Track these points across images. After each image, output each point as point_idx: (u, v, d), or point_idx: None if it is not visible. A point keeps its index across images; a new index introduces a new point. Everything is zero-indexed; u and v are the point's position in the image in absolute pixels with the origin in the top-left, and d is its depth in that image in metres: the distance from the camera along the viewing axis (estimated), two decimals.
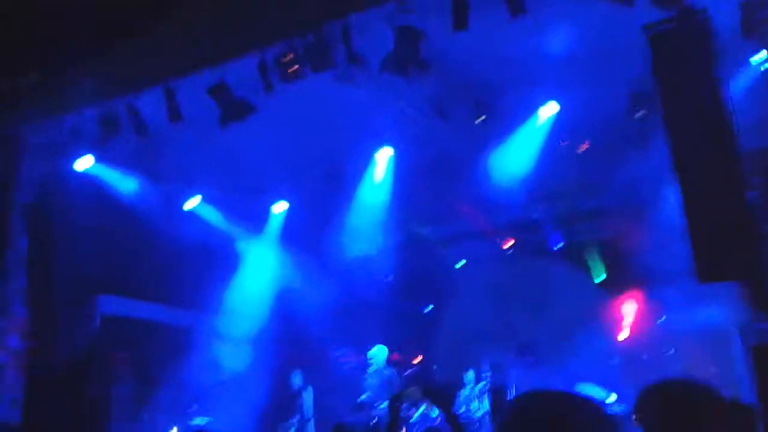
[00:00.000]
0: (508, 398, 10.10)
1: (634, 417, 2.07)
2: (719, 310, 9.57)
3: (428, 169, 12.81)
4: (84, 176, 11.16)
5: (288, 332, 13.54)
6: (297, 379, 11.62)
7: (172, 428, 12.18)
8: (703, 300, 9.48)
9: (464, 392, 11.18)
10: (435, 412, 11.05)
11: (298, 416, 11.40)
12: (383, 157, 12.61)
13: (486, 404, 10.53)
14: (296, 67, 8.52)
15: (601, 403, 1.58)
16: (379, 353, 11.05)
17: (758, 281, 8.16)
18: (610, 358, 11.78)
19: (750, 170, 7.02)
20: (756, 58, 8.03)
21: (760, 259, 6.89)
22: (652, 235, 11.60)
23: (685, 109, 6.60)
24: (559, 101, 10.82)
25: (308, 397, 11.49)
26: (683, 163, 6.92)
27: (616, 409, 9.65)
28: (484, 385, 10.50)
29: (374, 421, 10.36)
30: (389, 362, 11.12)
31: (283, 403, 11.56)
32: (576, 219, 12.82)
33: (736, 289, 9.14)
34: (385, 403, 10.08)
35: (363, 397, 10.76)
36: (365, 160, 12.72)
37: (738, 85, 7.90)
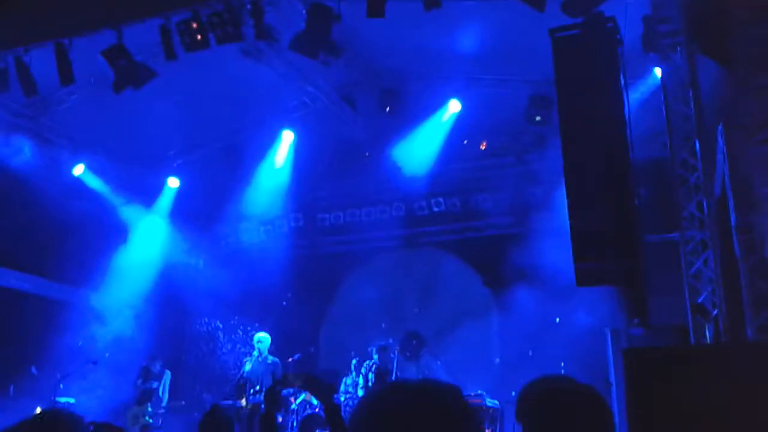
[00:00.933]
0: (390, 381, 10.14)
1: (515, 414, 2.10)
2: (594, 312, 10.03)
3: (330, 156, 12.75)
4: None
5: (170, 312, 13.10)
6: (155, 365, 11.29)
7: (36, 407, 11.54)
8: (581, 302, 9.87)
9: (347, 380, 11.19)
10: (314, 401, 11.04)
11: (154, 401, 11.04)
12: (285, 141, 12.41)
13: (369, 384, 10.52)
14: (201, 36, 8.18)
15: (458, 391, 1.57)
16: (263, 340, 10.87)
17: (635, 288, 8.56)
18: (492, 354, 12.09)
19: (637, 180, 7.30)
20: (655, 72, 8.37)
21: (638, 267, 7.04)
22: (540, 235, 12.03)
23: (582, 114, 6.76)
24: (462, 99, 10.99)
25: (166, 382, 11.18)
26: (573, 167, 7.04)
27: (489, 403, 9.90)
28: (371, 364, 10.48)
29: (248, 407, 10.20)
30: (272, 350, 10.96)
31: (141, 388, 11.15)
32: (470, 215, 13.07)
33: (612, 293, 9.62)
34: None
35: (242, 383, 10.55)
36: (266, 142, 12.48)
37: (635, 96, 8.25)
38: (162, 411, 11.06)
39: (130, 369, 11.46)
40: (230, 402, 10.42)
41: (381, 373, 10.22)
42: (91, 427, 2.81)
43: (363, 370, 10.41)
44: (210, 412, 5.24)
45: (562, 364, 10.03)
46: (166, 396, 11.26)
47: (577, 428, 1.97)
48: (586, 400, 2.03)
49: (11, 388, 11.23)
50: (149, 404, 11.00)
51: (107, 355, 11.74)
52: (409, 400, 1.50)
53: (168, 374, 11.36)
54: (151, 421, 10.71)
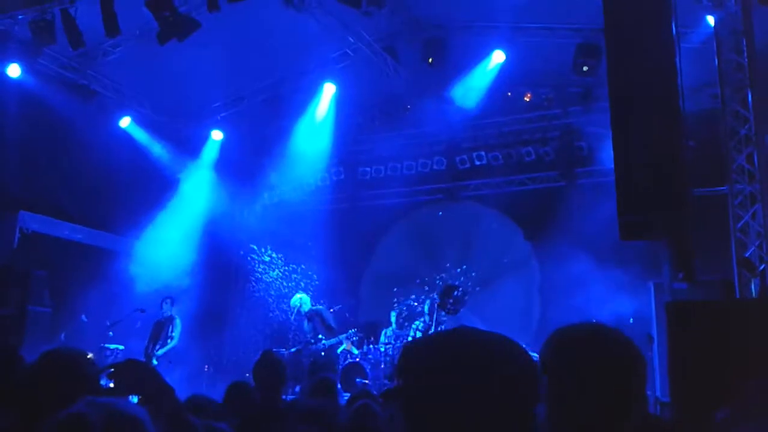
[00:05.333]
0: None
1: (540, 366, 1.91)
2: (638, 266, 9.92)
3: (371, 109, 12.70)
4: (11, 85, 10.56)
5: (216, 263, 13.36)
6: (167, 307, 11.45)
7: (86, 353, 11.90)
8: (624, 255, 9.76)
9: (387, 331, 11.36)
10: (355, 351, 11.27)
11: (167, 343, 11.25)
12: (327, 93, 12.38)
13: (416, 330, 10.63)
14: None
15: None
16: (302, 301, 11.11)
17: (681, 242, 8.42)
18: (533, 308, 12.09)
19: (687, 132, 7.13)
20: (707, 20, 8.09)
21: (684, 220, 6.92)
22: (584, 189, 11.89)
23: (632, 63, 6.58)
24: (507, 50, 10.79)
25: (177, 325, 11.33)
26: (621, 119, 6.89)
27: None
28: (430, 304, 10.53)
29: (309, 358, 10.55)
30: (312, 306, 11.17)
31: (157, 330, 11.36)
32: (512, 169, 12.96)
33: (657, 247, 9.48)
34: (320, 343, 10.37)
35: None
36: (308, 94, 12.47)
37: (687, 45, 7.99)
38: (160, 354, 11.14)
39: (179, 315, 11.73)
40: (282, 351, 10.71)
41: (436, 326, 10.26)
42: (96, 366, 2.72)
43: (421, 326, 10.48)
44: (264, 357, 5.37)
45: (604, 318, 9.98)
46: (172, 342, 11.27)
47: (602, 379, 1.77)
48: (610, 344, 1.83)
49: (62, 335, 11.58)
50: (156, 345, 11.18)
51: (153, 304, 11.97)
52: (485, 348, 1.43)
53: (177, 321, 11.43)
54: (155, 363, 10.95)
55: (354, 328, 11.26)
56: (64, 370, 2.48)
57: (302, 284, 12.98)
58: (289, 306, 11.75)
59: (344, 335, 11.05)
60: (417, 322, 10.70)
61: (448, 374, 1.37)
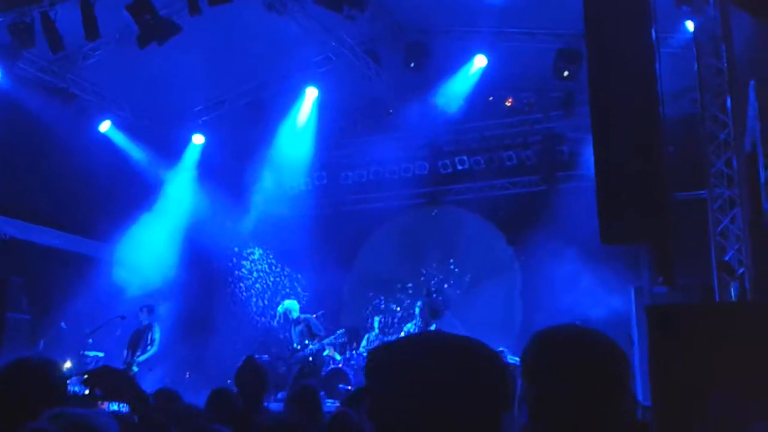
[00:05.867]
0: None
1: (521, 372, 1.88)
2: (618, 270, 9.98)
3: (353, 113, 12.69)
4: None
5: (198, 268, 13.26)
6: (144, 316, 11.34)
7: (66, 360, 11.77)
8: (605, 259, 9.81)
9: (370, 335, 11.34)
10: (338, 356, 11.23)
11: (147, 350, 11.14)
12: (309, 97, 12.35)
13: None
14: None
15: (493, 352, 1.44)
16: (290, 307, 11.03)
17: (661, 245, 8.48)
18: (515, 313, 12.12)
19: (666, 137, 7.18)
20: (687, 25, 8.17)
21: (665, 224, 6.96)
22: (565, 193, 11.94)
23: (612, 68, 6.62)
24: (489, 54, 10.83)
25: (156, 332, 11.22)
26: (601, 123, 6.94)
27: (511, 360, 9.94)
28: (420, 308, 10.49)
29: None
30: (300, 313, 11.09)
31: (135, 339, 11.24)
32: (494, 173, 13.00)
33: (637, 251, 9.55)
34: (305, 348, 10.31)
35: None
36: (290, 98, 12.43)
37: (666, 50, 8.05)
38: (141, 361, 11.03)
39: (159, 323, 11.61)
40: (264, 357, 10.63)
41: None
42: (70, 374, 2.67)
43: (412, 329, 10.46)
44: (246, 363, 5.33)
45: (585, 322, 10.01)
46: (152, 348, 11.23)
47: (585, 380, 1.74)
48: (594, 348, 1.80)
49: (41, 342, 11.44)
50: (135, 353, 11.07)
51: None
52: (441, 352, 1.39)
53: (156, 327, 11.32)
54: (136, 369, 10.85)
55: (342, 329, 11.25)
56: (30, 379, 2.44)
57: (287, 289, 12.94)
58: (272, 311, 11.68)
59: (332, 336, 11.01)
60: (409, 325, 10.66)
61: (411, 376, 1.35)
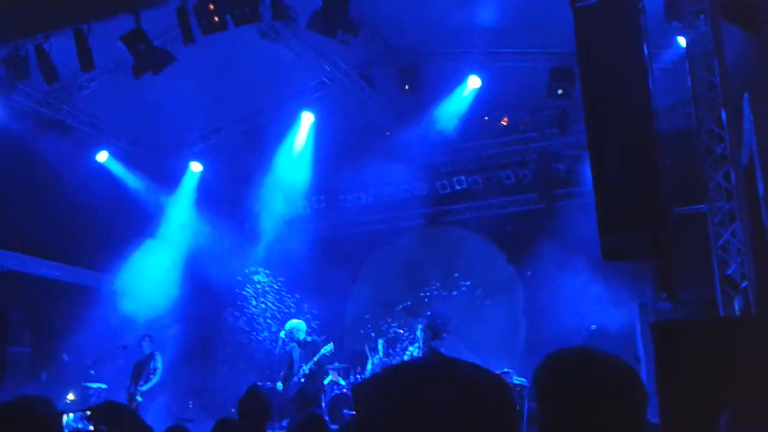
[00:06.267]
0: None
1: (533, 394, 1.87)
2: (621, 287, 9.94)
3: (350, 136, 12.71)
4: None
5: (199, 296, 13.21)
6: (146, 345, 11.27)
7: (68, 392, 11.71)
8: (607, 276, 9.78)
9: (374, 359, 11.26)
10: (342, 381, 11.14)
11: (150, 378, 11.05)
12: (305, 122, 12.39)
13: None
14: (218, 17, 8.16)
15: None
16: (298, 326, 10.86)
17: (662, 261, 8.44)
18: (518, 332, 12.04)
19: (662, 152, 7.18)
20: (678, 41, 8.20)
21: (665, 240, 6.94)
22: (564, 211, 11.93)
23: (606, 86, 6.65)
24: (482, 75, 10.88)
25: (158, 360, 11.14)
26: (597, 140, 6.95)
27: (517, 380, 9.86)
28: (421, 331, 10.34)
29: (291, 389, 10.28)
30: (306, 336, 10.93)
31: (138, 369, 11.16)
32: (492, 192, 13.00)
33: (639, 267, 9.52)
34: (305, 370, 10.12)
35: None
36: (286, 124, 12.46)
37: (659, 66, 8.08)
38: (144, 390, 10.97)
39: (161, 352, 11.54)
40: (268, 384, 10.48)
41: (430, 351, 10.08)
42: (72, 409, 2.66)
43: (415, 352, 10.29)
44: (250, 392, 5.29)
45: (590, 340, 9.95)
46: (155, 377, 11.08)
47: (602, 404, 1.71)
48: (610, 371, 1.77)
49: (43, 375, 11.38)
50: (138, 383, 11.00)
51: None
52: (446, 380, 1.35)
53: (158, 356, 11.24)
54: (140, 399, 10.79)
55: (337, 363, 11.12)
56: (24, 421, 2.40)
57: (292, 310, 12.87)
58: (275, 335, 11.56)
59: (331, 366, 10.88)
60: (412, 348, 10.53)
61: (397, 405, 1.31)
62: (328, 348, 10.40)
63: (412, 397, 1.32)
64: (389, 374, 1.45)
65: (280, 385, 10.40)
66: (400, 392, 1.33)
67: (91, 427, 2.41)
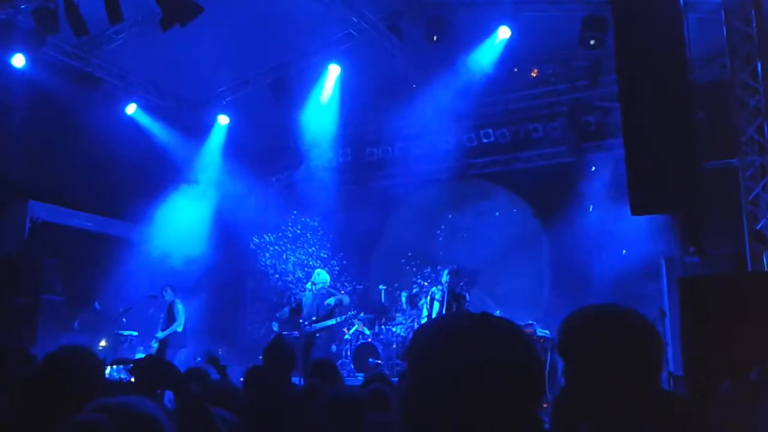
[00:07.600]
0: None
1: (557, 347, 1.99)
2: (648, 241, 9.87)
3: (377, 89, 12.62)
4: (16, 75, 10.56)
5: (227, 247, 13.39)
6: (167, 294, 11.47)
7: (100, 339, 12.04)
8: (634, 230, 9.71)
9: (398, 311, 11.42)
10: (367, 331, 11.32)
11: (170, 326, 11.27)
12: (332, 75, 12.32)
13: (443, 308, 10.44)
14: None
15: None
16: (321, 275, 10.95)
17: (691, 215, 8.36)
18: (543, 285, 12.08)
19: (696, 104, 7.03)
20: None
21: (695, 194, 6.83)
22: (593, 165, 11.82)
23: (640, 35, 6.51)
24: (512, 25, 10.67)
25: (180, 309, 11.34)
26: (629, 92, 6.82)
27: (540, 332, 9.91)
28: (441, 287, 10.36)
29: (303, 337, 10.35)
30: (330, 287, 11.03)
31: (163, 317, 11.40)
32: (520, 146, 12.90)
33: (667, 221, 9.44)
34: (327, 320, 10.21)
35: (296, 312, 10.72)
36: (313, 76, 12.40)
37: (694, 15, 7.87)
38: (161, 337, 11.19)
39: (189, 302, 11.79)
40: (288, 333, 10.64)
41: (453, 296, 10.10)
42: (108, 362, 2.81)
43: (437, 295, 10.29)
44: (274, 341, 5.41)
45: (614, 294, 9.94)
46: (174, 325, 11.23)
47: (620, 356, 1.84)
48: (629, 325, 1.90)
49: (76, 322, 11.68)
50: (158, 331, 11.30)
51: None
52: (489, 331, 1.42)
53: (178, 304, 11.44)
54: (155, 345, 11.08)
55: (353, 311, 11.21)
56: (69, 372, 2.50)
57: (319, 262, 13.00)
58: (300, 284, 11.68)
59: (347, 315, 10.91)
60: (436, 304, 10.51)
61: (452, 361, 1.37)
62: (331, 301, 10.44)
63: (471, 342, 1.38)
64: (443, 324, 1.51)
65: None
66: (458, 339, 1.39)
67: (133, 379, 2.55)
